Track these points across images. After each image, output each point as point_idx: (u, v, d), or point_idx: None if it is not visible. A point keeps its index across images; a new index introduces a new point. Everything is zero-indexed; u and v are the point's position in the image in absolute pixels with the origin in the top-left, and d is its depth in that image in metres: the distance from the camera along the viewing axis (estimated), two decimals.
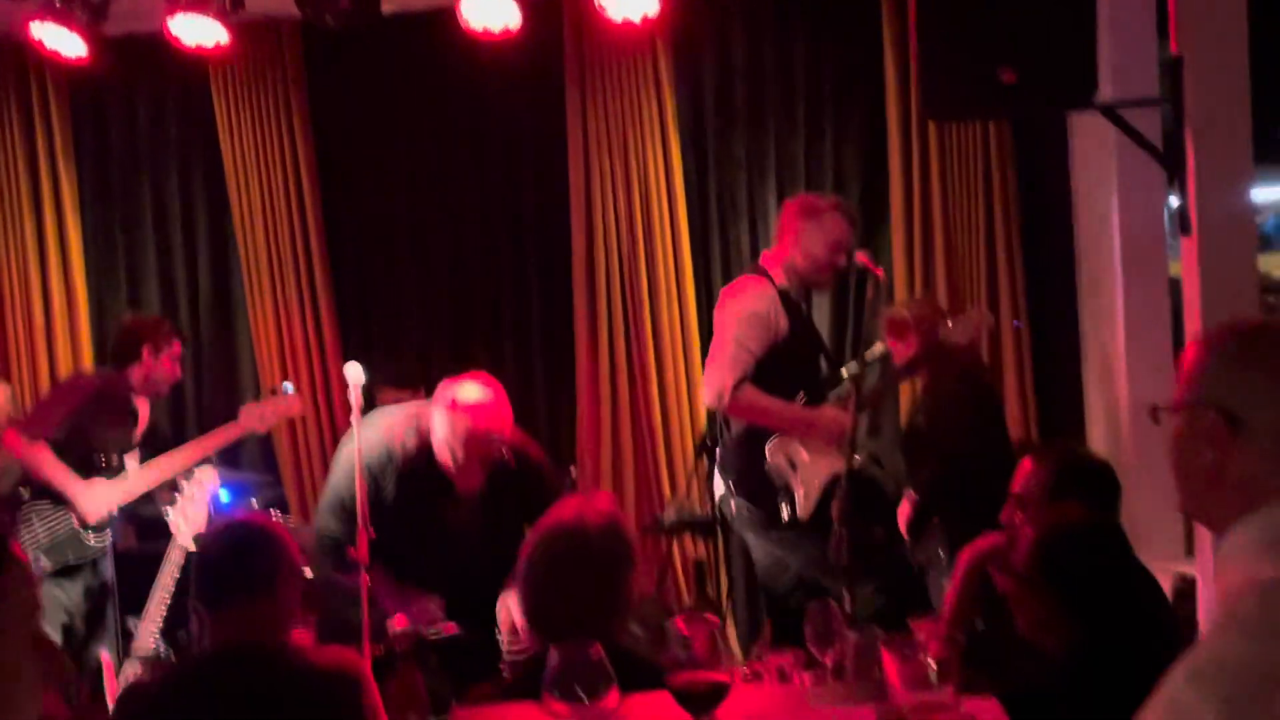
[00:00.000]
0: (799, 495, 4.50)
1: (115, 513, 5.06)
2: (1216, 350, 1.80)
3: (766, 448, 4.57)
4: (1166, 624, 2.99)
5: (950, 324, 4.67)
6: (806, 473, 4.47)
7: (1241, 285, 4.09)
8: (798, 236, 4.62)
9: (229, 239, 6.11)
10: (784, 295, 4.63)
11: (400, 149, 6.11)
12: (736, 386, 4.49)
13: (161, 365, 5.24)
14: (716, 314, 4.64)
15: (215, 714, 2.72)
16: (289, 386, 5.37)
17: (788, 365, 4.53)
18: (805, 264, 4.61)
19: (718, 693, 1.95)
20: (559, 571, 2.55)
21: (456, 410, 3.97)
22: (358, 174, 6.14)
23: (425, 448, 4.06)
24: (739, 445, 4.59)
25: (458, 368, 5.95)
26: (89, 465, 5.09)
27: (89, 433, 5.08)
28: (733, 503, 4.64)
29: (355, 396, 4.27)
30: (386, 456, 4.07)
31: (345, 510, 3.98)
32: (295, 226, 6.00)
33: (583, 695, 1.98)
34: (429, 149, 6.12)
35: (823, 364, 4.69)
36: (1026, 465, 3.49)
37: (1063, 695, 2.52)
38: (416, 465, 4.06)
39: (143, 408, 5.29)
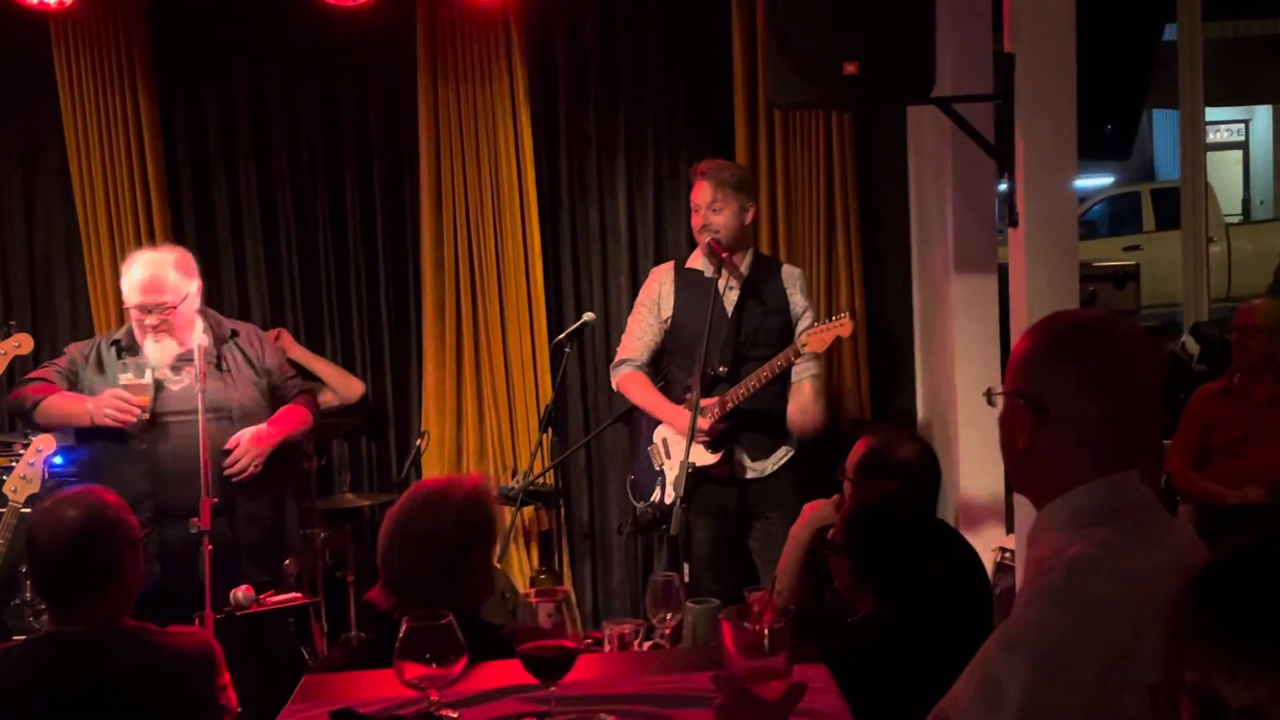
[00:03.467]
0: (667, 479, 4.64)
1: None
2: (1034, 344, 1.96)
3: (654, 431, 4.74)
4: (970, 594, 3.18)
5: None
6: (675, 462, 4.58)
7: (1064, 275, 4.31)
8: None
9: (69, 199, 5.95)
10: (688, 275, 4.69)
11: (246, 116, 5.99)
12: (613, 369, 4.83)
13: None
14: None
15: (65, 699, 2.71)
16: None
17: (678, 348, 4.64)
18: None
19: (566, 660, 2.03)
20: (410, 531, 2.61)
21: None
22: (202, 139, 6.03)
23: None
24: None
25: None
26: None
27: None
28: None
29: (199, 362, 4.26)
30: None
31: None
32: (137, 187, 5.85)
33: (432, 661, 2.05)
34: (276, 115, 6.02)
35: (707, 349, 4.54)
36: (858, 444, 3.69)
37: (867, 658, 2.68)
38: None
39: None
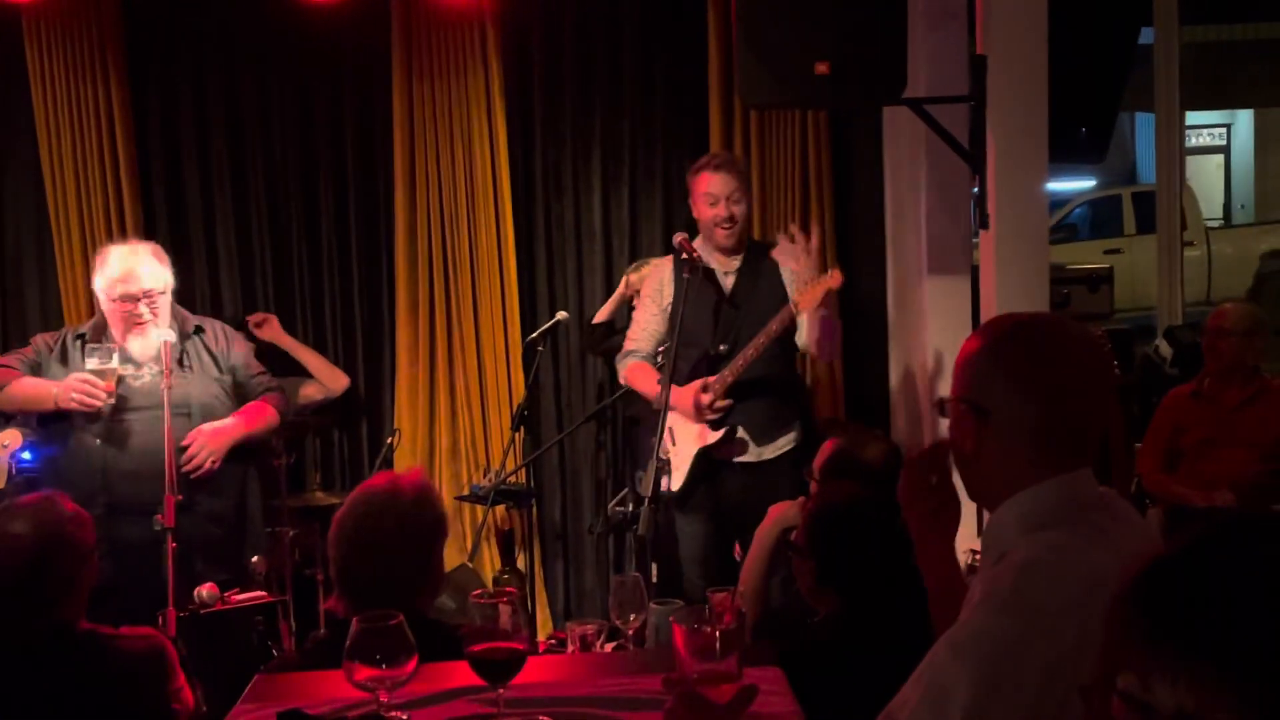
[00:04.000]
0: (673, 469, 4.63)
1: None
2: (973, 349, 1.96)
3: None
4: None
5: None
6: (680, 448, 4.56)
7: (1034, 277, 4.31)
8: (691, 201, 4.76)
9: (40, 192, 5.91)
10: (686, 265, 4.69)
11: (219, 110, 5.96)
12: (620, 359, 4.81)
13: None
14: None
15: (14, 704, 2.67)
16: None
17: (679, 337, 4.62)
18: (700, 227, 4.70)
19: (515, 662, 2.01)
20: (370, 538, 2.59)
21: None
22: (175, 133, 5.99)
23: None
24: None
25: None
26: None
27: None
28: None
29: (166, 358, 4.24)
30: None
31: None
32: (108, 180, 5.82)
33: (382, 662, 2.03)
34: (250, 108, 5.99)
35: (712, 339, 4.63)
36: (825, 444, 3.68)
37: (828, 660, 2.67)
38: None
39: None
